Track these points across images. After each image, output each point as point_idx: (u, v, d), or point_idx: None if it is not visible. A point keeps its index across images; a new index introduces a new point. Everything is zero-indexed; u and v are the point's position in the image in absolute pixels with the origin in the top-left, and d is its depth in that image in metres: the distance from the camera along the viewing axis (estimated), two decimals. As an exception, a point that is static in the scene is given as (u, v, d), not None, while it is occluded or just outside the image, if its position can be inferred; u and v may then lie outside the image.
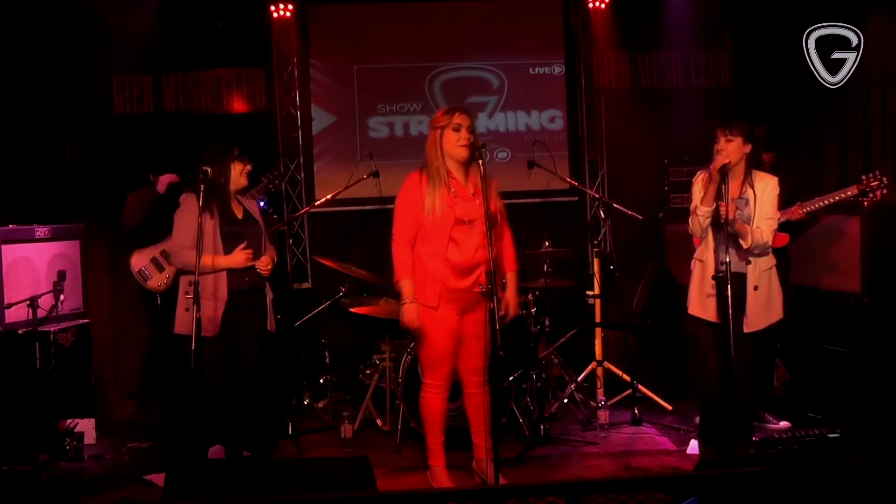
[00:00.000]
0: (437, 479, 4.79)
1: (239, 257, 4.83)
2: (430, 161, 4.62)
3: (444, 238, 4.53)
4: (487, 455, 4.62)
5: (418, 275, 4.59)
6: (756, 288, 4.50)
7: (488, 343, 4.49)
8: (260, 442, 5.47)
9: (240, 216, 5.00)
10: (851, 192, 5.19)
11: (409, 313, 4.56)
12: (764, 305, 4.55)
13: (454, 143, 4.57)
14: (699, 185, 4.62)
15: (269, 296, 5.06)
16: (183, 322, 4.85)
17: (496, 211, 4.59)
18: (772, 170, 4.82)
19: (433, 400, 4.74)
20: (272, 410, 6.24)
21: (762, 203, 4.51)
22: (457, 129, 4.57)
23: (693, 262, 4.73)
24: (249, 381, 4.98)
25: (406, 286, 4.57)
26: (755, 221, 4.50)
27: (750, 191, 4.49)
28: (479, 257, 4.54)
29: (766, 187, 4.53)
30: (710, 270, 4.56)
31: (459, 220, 4.53)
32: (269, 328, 5.06)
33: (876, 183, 5.09)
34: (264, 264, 4.94)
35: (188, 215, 4.84)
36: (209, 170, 4.79)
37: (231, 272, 4.83)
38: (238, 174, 4.99)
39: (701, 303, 4.64)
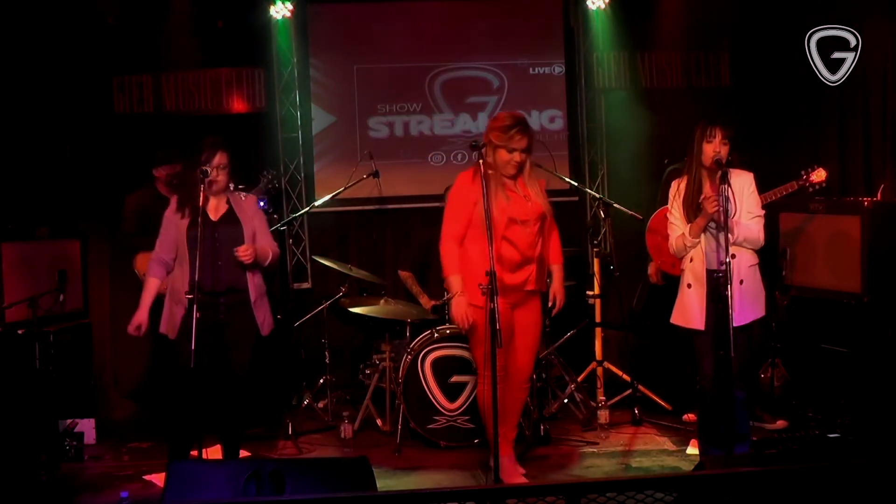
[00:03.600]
0: (504, 471, 4.68)
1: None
2: (477, 169, 4.72)
3: (497, 237, 4.63)
4: (498, 452, 4.60)
5: (467, 273, 4.71)
6: (742, 282, 4.56)
7: (537, 340, 4.96)
8: (261, 439, 5.48)
9: (215, 217, 4.80)
10: (792, 187, 5.49)
11: (458, 307, 4.65)
12: (750, 300, 4.62)
13: (504, 163, 4.72)
14: (678, 200, 4.74)
15: (253, 296, 4.82)
16: (165, 321, 4.84)
17: (545, 211, 4.80)
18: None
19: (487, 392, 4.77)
20: (273, 411, 6.24)
21: (744, 200, 4.60)
22: (510, 152, 4.70)
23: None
24: (239, 385, 4.86)
25: (454, 281, 4.69)
26: (741, 218, 4.60)
27: (728, 188, 4.52)
28: (529, 255, 4.74)
29: (744, 183, 4.63)
30: (687, 278, 4.71)
31: (512, 219, 4.68)
32: (261, 332, 4.87)
33: (814, 177, 5.41)
34: (241, 251, 4.71)
35: (168, 223, 4.84)
36: (208, 169, 4.74)
37: (203, 273, 4.60)
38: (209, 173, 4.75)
39: (679, 311, 4.77)
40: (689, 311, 4.70)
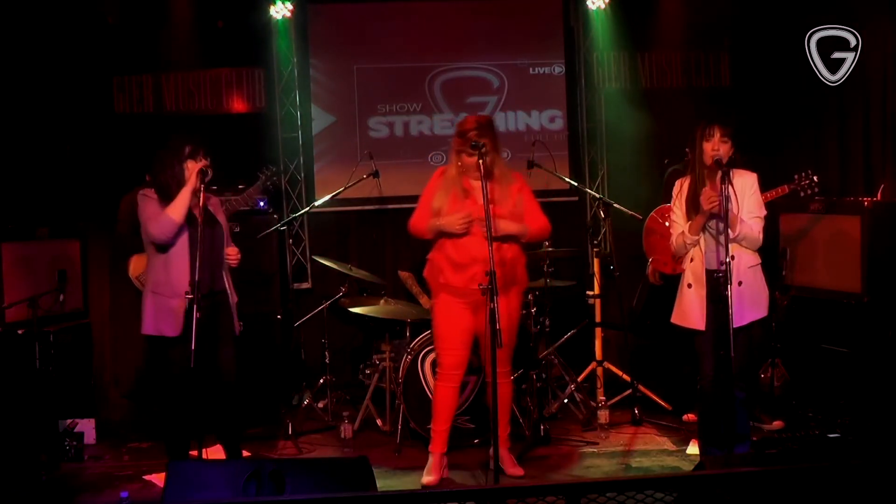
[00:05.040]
0: (427, 467, 4.98)
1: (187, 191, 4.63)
2: (450, 163, 4.95)
3: (446, 234, 4.86)
4: (494, 451, 4.75)
5: (434, 267, 4.95)
6: (741, 283, 4.54)
7: (513, 337, 4.97)
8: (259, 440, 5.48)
9: (201, 218, 4.70)
10: (783, 190, 5.49)
11: (451, 218, 4.77)
12: (749, 301, 4.60)
13: (467, 166, 4.83)
14: (681, 200, 4.73)
15: (234, 299, 4.87)
16: (149, 323, 4.71)
17: (506, 213, 4.79)
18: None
19: (439, 387, 5.00)
20: (273, 411, 6.24)
21: (745, 200, 4.58)
22: (470, 156, 4.77)
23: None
24: (230, 385, 4.86)
25: (435, 221, 4.83)
26: (743, 217, 4.57)
27: (730, 188, 4.52)
28: (477, 255, 4.72)
29: (746, 184, 4.62)
30: (688, 278, 4.71)
31: None
32: (236, 332, 4.89)
33: (807, 182, 5.44)
34: (233, 254, 4.81)
35: (151, 201, 4.68)
36: (209, 170, 4.72)
37: (188, 274, 4.59)
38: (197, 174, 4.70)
39: (679, 311, 4.76)
40: (689, 310, 4.70)
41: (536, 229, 4.93)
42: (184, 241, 4.65)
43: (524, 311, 6.02)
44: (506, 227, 4.79)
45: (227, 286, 4.87)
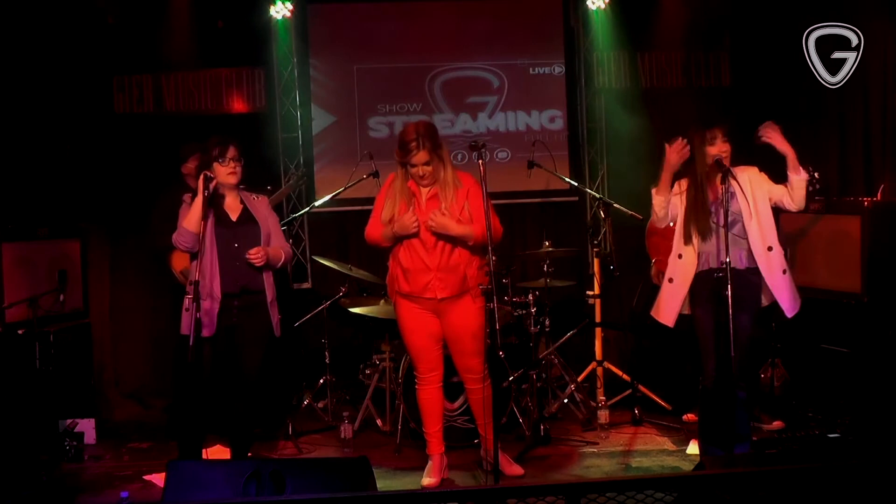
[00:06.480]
0: (427, 469, 4.95)
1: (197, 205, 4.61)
2: (397, 172, 4.83)
3: (400, 243, 4.81)
4: (489, 453, 4.76)
5: (392, 272, 4.91)
6: (785, 272, 4.62)
7: (477, 341, 4.81)
8: (262, 440, 5.46)
9: (234, 217, 4.76)
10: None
11: (403, 220, 4.69)
12: (796, 288, 4.71)
13: (412, 176, 4.74)
14: (681, 201, 4.73)
15: (269, 297, 4.79)
16: (187, 322, 4.71)
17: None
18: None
19: (419, 391, 4.98)
20: (273, 411, 6.24)
21: (765, 189, 4.60)
22: (412, 167, 4.70)
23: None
24: (251, 387, 4.81)
25: (388, 229, 4.76)
26: (758, 207, 4.59)
27: (735, 183, 4.52)
28: (427, 263, 4.71)
29: (754, 175, 4.64)
30: (670, 273, 4.74)
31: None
32: (276, 333, 4.84)
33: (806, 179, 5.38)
34: (253, 254, 4.66)
35: (185, 207, 4.72)
36: (212, 174, 4.69)
37: (218, 274, 4.63)
38: (223, 175, 4.71)
39: (655, 303, 4.81)
40: (662, 305, 4.74)
41: (482, 233, 4.61)
42: (213, 244, 4.65)
43: (523, 311, 6.04)
44: (451, 227, 4.66)
45: (265, 286, 4.77)
